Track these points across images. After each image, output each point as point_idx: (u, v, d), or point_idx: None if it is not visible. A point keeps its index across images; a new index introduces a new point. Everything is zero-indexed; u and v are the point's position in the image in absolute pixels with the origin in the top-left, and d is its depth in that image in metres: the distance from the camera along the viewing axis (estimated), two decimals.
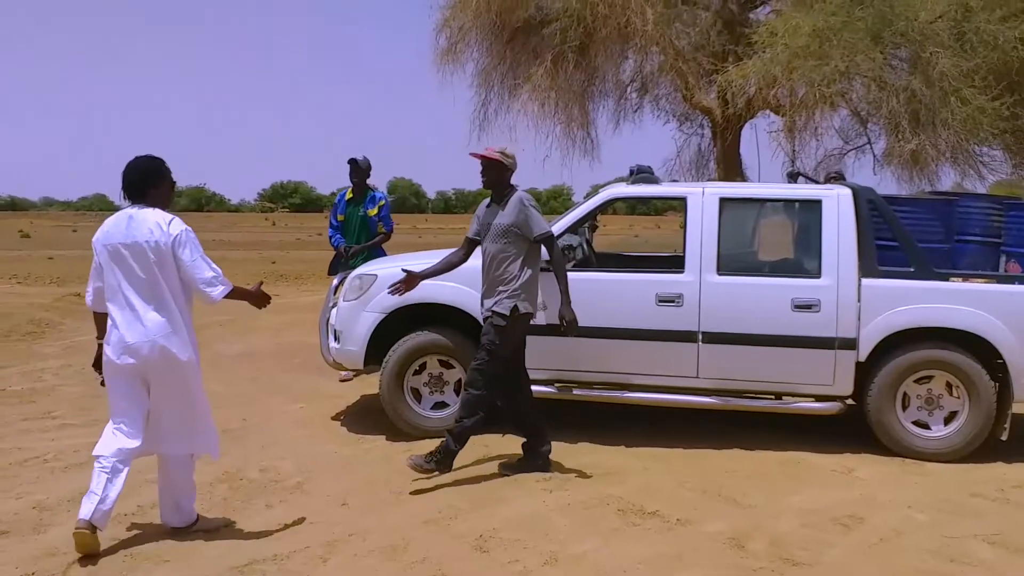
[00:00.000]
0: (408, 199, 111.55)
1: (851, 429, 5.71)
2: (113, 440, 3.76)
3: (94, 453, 3.77)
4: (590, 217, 5.89)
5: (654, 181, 5.79)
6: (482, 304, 4.84)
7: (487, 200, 4.97)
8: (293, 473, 4.93)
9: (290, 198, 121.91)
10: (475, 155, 4.79)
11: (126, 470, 3.76)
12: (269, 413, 6.40)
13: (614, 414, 5.81)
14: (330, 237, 7.57)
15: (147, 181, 3.86)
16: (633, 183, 5.77)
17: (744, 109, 12.03)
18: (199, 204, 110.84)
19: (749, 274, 5.57)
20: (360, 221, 7.38)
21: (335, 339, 5.89)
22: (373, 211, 7.36)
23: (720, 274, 5.41)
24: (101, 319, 3.90)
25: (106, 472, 3.68)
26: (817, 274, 5.38)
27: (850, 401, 5.49)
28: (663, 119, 14.22)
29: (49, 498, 4.43)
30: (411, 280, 4.92)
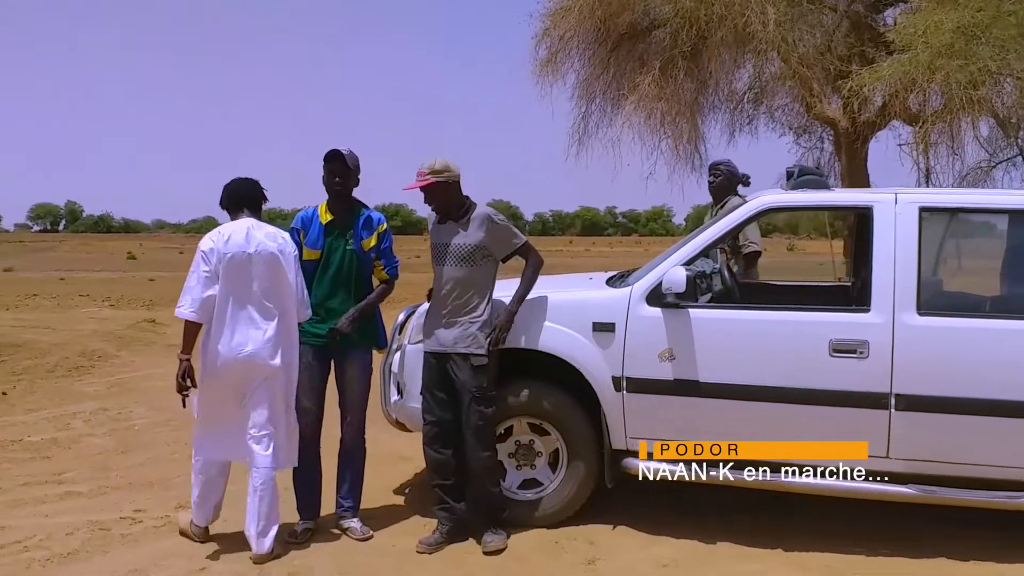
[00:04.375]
0: None
1: None
2: (212, 445, 3.92)
3: (195, 456, 3.94)
4: (732, 235, 4.44)
5: (823, 186, 4.28)
6: (428, 335, 4.21)
7: (435, 218, 4.31)
8: None
9: (391, 221, 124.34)
10: (409, 188, 4.10)
11: (224, 479, 4.02)
12: None
13: (764, 500, 4.34)
14: None
15: (261, 196, 4.11)
16: (794, 188, 4.27)
17: (878, 117, 10.72)
18: None
19: (963, 314, 4.00)
20: (348, 259, 4.21)
21: (397, 391, 4.63)
22: (370, 241, 4.25)
23: (921, 314, 3.85)
24: (193, 333, 3.83)
25: (204, 475, 3.92)
26: None
27: None
28: (778, 132, 13.07)
29: None
30: None
